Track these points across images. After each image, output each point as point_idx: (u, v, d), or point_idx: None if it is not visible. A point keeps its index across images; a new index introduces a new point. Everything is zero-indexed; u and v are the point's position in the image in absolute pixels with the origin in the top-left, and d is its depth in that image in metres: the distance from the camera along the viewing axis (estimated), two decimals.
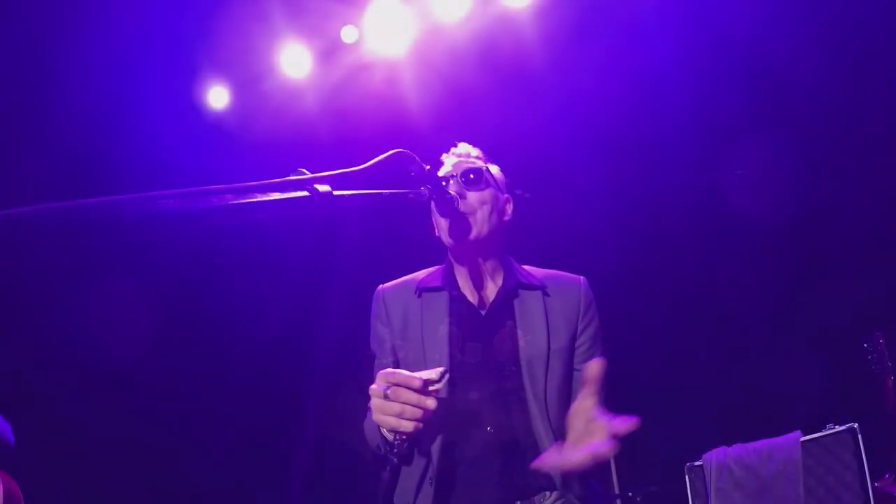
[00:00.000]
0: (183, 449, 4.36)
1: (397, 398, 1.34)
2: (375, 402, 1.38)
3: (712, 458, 3.15)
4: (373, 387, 1.39)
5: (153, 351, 4.28)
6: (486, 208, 1.73)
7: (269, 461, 4.54)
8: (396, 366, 1.75)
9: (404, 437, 1.38)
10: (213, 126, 4.46)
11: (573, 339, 1.75)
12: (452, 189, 1.68)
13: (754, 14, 3.73)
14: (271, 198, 0.96)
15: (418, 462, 1.64)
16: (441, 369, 1.37)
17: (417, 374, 1.35)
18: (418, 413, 1.34)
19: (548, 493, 1.62)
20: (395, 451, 1.39)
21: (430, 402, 1.34)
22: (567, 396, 1.71)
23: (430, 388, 1.35)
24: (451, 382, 1.65)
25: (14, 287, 3.90)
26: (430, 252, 1.92)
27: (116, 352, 4.13)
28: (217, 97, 4.44)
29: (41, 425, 3.81)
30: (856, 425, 2.92)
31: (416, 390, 1.33)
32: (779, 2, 3.71)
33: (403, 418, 1.34)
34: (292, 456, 4.51)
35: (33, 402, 3.79)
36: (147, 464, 4.34)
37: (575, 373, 1.74)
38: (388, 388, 1.35)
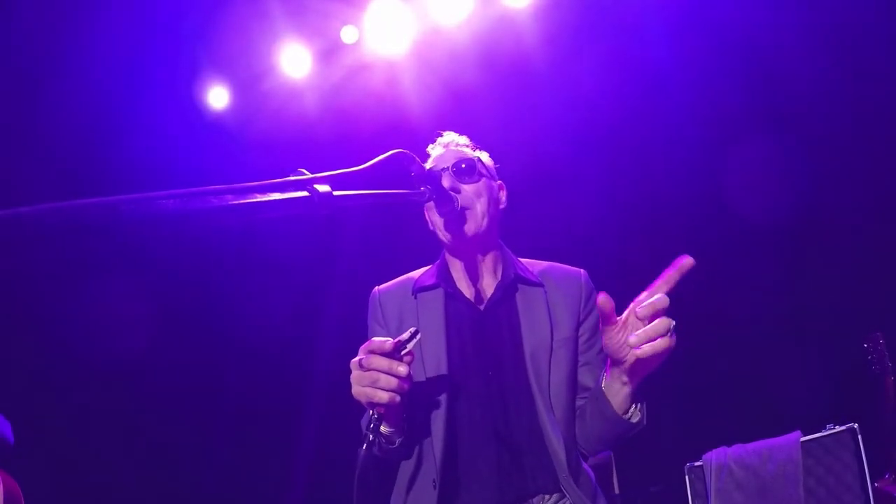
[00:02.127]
0: (183, 449, 4.36)
1: (370, 366, 1.34)
2: (353, 375, 1.38)
3: (712, 459, 3.14)
4: (353, 360, 1.39)
5: (153, 351, 4.28)
6: (484, 200, 1.70)
7: (269, 462, 4.54)
8: None
9: (381, 410, 1.38)
10: (213, 126, 4.46)
11: (576, 329, 1.72)
12: (446, 183, 1.64)
13: (754, 14, 3.73)
14: (271, 198, 0.96)
15: (422, 464, 1.61)
16: (412, 329, 1.37)
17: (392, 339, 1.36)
18: (392, 382, 1.33)
19: (547, 496, 1.61)
20: (373, 426, 1.38)
21: (402, 369, 1.34)
22: (572, 390, 1.69)
23: (402, 351, 1.35)
24: (452, 382, 1.64)
25: (14, 287, 3.90)
26: (430, 251, 1.92)
27: (116, 352, 4.13)
28: (217, 97, 4.45)
29: (41, 425, 3.81)
30: (856, 425, 2.92)
31: (386, 355, 1.34)
32: (779, 1, 3.72)
33: (378, 387, 1.34)
34: (292, 456, 4.51)
35: (33, 402, 3.79)
36: (147, 463, 4.34)
37: (579, 368, 1.73)
38: (363, 358, 1.36)
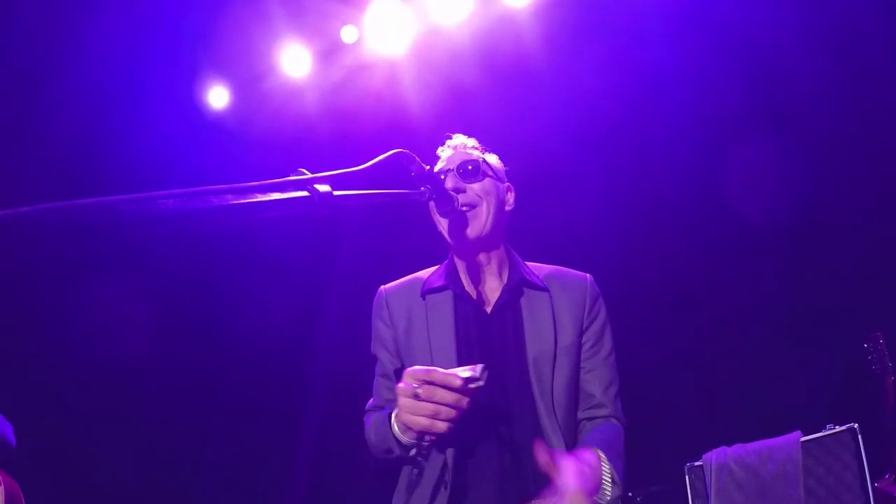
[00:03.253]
0: (183, 449, 4.35)
1: (432, 397, 1.31)
2: (406, 403, 1.34)
3: (712, 459, 3.14)
4: (400, 386, 1.36)
5: (153, 351, 4.28)
6: (487, 201, 1.69)
7: (269, 462, 4.54)
8: (400, 366, 1.73)
9: (433, 438, 1.36)
10: (213, 126, 4.46)
11: (580, 335, 1.72)
12: (450, 183, 1.65)
13: (755, 13, 3.73)
14: (271, 198, 0.96)
15: (432, 466, 1.61)
16: (481, 366, 1.33)
17: (455, 372, 1.32)
18: (453, 413, 1.31)
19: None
20: (424, 452, 1.37)
21: (466, 402, 1.32)
22: (574, 395, 1.70)
23: (471, 385, 1.31)
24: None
25: (14, 287, 3.90)
26: (430, 251, 1.92)
27: (117, 352, 4.12)
28: (217, 97, 4.44)
29: (42, 426, 3.81)
30: (856, 425, 2.91)
31: (454, 389, 1.31)
32: (779, 1, 3.71)
33: (438, 419, 1.31)
34: (292, 456, 4.51)
35: (34, 403, 3.79)
36: (147, 464, 4.34)
37: (582, 373, 1.73)
38: (418, 386, 1.32)
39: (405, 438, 1.43)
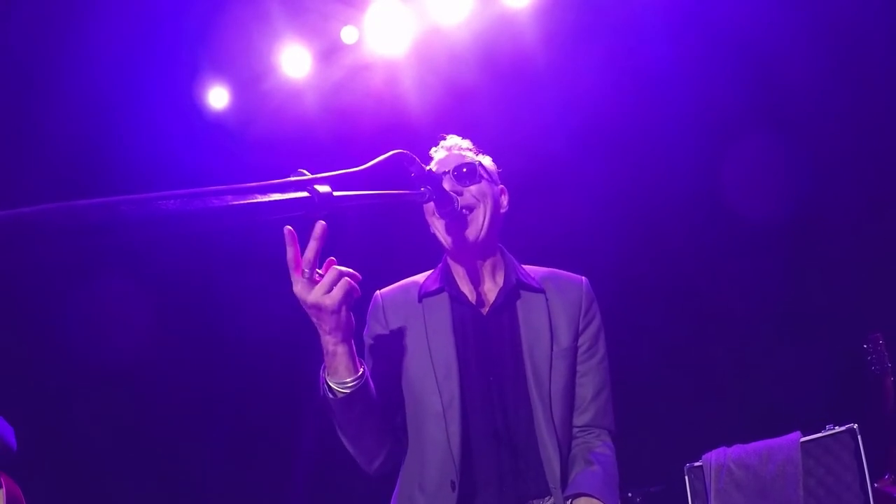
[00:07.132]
0: (183, 449, 4.35)
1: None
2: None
3: (712, 459, 3.14)
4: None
5: (153, 352, 4.27)
6: (484, 204, 1.69)
7: (269, 461, 4.54)
8: (392, 369, 1.71)
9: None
10: (214, 126, 4.45)
11: (576, 338, 1.72)
12: (447, 185, 1.64)
13: (754, 13, 3.73)
14: (271, 198, 0.96)
15: (439, 465, 1.61)
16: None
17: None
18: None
19: (548, 497, 1.61)
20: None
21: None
22: (570, 399, 1.69)
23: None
24: (462, 384, 1.64)
25: (14, 287, 3.90)
26: (430, 253, 1.91)
27: (117, 353, 4.12)
28: (217, 97, 4.44)
29: (42, 427, 3.80)
30: (856, 426, 2.91)
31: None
32: (781, 1, 3.71)
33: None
34: (292, 456, 4.51)
35: (34, 404, 3.79)
36: (147, 465, 4.34)
37: (576, 377, 1.72)
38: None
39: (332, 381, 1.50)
